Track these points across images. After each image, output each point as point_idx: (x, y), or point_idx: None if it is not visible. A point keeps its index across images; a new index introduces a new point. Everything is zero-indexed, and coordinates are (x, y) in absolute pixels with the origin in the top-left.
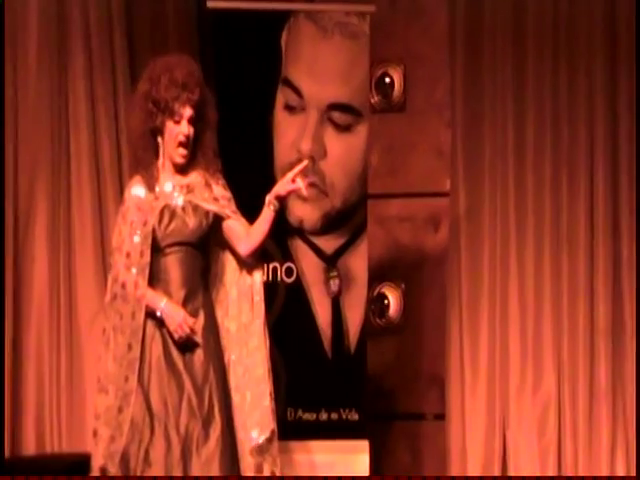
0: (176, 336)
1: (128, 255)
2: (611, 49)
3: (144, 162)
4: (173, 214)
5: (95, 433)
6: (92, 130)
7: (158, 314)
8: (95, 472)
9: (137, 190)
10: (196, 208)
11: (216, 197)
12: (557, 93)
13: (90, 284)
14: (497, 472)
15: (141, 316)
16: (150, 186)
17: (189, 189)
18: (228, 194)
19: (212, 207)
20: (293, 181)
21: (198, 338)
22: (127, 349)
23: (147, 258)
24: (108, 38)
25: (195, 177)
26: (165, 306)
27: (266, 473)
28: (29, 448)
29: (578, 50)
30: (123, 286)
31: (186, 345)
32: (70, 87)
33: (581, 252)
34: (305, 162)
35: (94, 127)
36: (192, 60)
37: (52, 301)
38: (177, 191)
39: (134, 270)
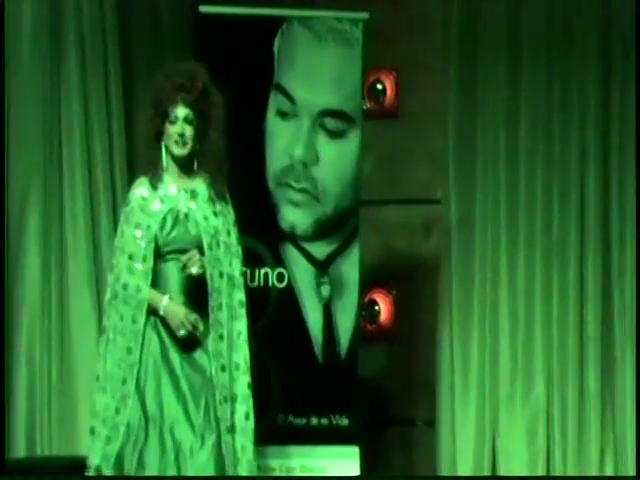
0: (179, 333)
1: (131, 257)
2: (604, 59)
3: (148, 163)
4: (176, 220)
5: (92, 431)
6: (85, 137)
7: (161, 312)
8: (91, 471)
9: (142, 191)
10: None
11: (215, 212)
12: (550, 103)
13: (82, 284)
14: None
15: (142, 320)
16: (154, 187)
17: (193, 194)
18: (227, 209)
19: (206, 229)
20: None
21: (200, 336)
22: (126, 352)
23: (150, 263)
24: (102, 44)
25: (200, 183)
26: (167, 304)
27: None
28: (19, 451)
29: (571, 60)
30: (125, 287)
31: (184, 350)
32: (63, 94)
33: (572, 260)
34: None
35: (87, 134)
36: (200, 67)
37: (44, 301)
38: (182, 195)
39: (137, 274)
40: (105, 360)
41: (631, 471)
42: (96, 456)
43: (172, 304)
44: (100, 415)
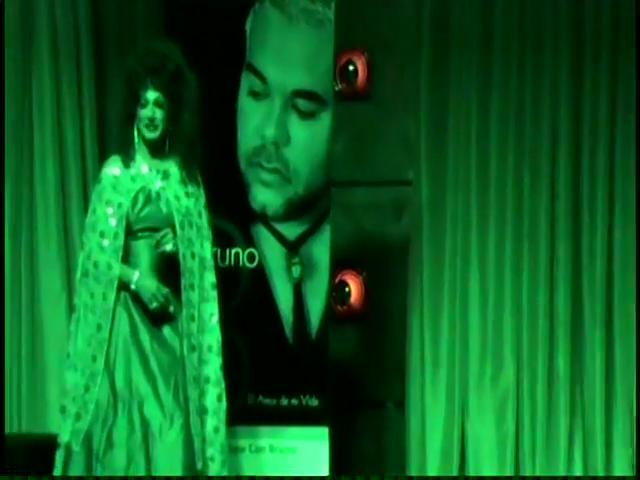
0: (151, 306)
1: (102, 235)
2: (576, 42)
3: (121, 143)
4: (148, 199)
5: (63, 409)
6: (56, 117)
7: (132, 287)
8: (61, 449)
9: (113, 169)
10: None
11: (187, 192)
12: (522, 85)
13: (52, 263)
14: (456, 460)
15: (112, 297)
16: (126, 165)
17: (165, 175)
18: (199, 191)
19: (178, 208)
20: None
21: (172, 312)
22: (97, 329)
23: (121, 241)
24: (73, 25)
25: (172, 165)
26: (138, 278)
27: None
28: None
29: (544, 42)
30: (95, 265)
31: (154, 328)
32: (34, 74)
33: (542, 243)
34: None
35: (58, 114)
36: (174, 47)
37: (14, 281)
38: (154, 175)
39: (108, 251)
40: (76, 338)
41: (600, 455)
42: (66, 433)
43: (144, 278)
44: (70, 393)
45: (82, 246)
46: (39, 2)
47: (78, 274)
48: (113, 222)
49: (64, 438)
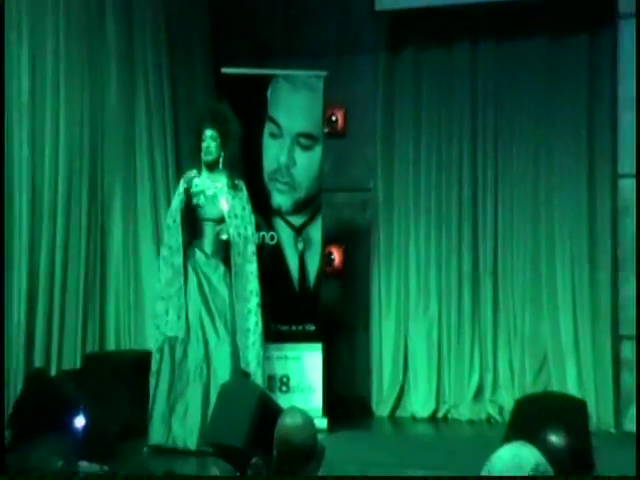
0: (222, 237)
1: (175, 210)
2: (473, 81)
3: (194, 162)
4: (207, 198)
5: (158, 326)
6: (150, 149)
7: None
8: (159, 344)
9: (191, 175)
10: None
11: (233, 195)
12: (439, 121)
13: (147, 237)
14: (401, 363)
15: (182, 251)
16: (197, 175)
17: (219, 182)
18: (242, 193)
19: (226, 207)
20: None
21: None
22: (180, 270)
23: (183, 219)
24: (160, 86)
25: (224, 177)
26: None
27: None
28: (110, 345)
29: (445, 97)
30: (174, 221)
31: (212, 283)
32: (137, 122)
33: (454, 224)
34: None
35: (151, 148)
36: (224, 106)
37: (125, 248)
38: (212, 185)
39: (179, 219)
40: (161, 274)
41: (490, 359)
42: (160, 338)
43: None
44: (166, 294)
45: (168, 210)
46: (138, 84)
47: (165, 234)
48: (184, 207)
49: (160, 339)
